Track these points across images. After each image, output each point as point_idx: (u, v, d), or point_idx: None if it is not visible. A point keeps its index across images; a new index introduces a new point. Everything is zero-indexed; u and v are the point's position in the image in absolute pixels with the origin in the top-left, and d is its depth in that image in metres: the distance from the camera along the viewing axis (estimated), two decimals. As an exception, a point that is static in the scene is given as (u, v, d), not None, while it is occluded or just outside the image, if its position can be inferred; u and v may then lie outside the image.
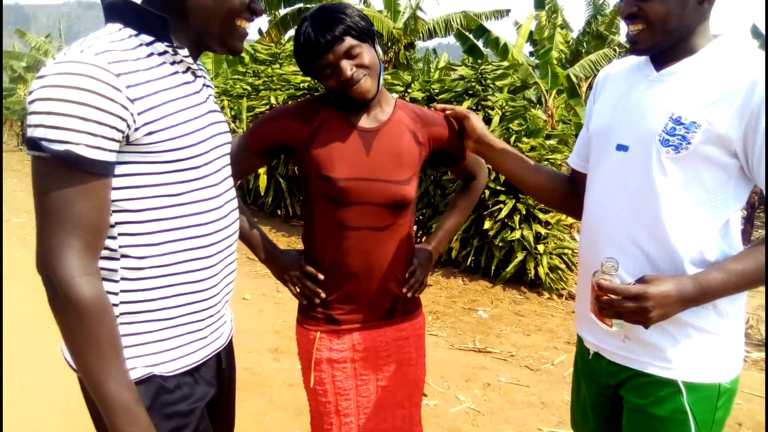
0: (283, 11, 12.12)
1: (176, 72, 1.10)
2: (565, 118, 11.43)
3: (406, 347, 1.68)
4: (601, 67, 10.49)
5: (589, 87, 12.60)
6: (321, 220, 1.57)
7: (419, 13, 11.61)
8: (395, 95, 1.72)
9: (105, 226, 1.01)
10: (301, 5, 11.66)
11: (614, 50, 10.58)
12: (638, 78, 1.40)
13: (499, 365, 3.86)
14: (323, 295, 1.59)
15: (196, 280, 1.14)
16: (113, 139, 0.97)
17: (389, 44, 11.79)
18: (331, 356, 1.60)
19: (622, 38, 11.75)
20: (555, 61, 9.15)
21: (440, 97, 5.87)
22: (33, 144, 0.95)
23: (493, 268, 5.47)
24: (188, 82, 1.13)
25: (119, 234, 1.04)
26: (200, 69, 1.20)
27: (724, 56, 1.29)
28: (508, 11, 12.32)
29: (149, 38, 1.06)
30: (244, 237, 1.63)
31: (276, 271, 1.68)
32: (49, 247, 0.97)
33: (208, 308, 1.19)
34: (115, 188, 1.02)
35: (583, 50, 11.05)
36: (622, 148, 1.36)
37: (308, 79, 7.16)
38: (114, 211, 1.03)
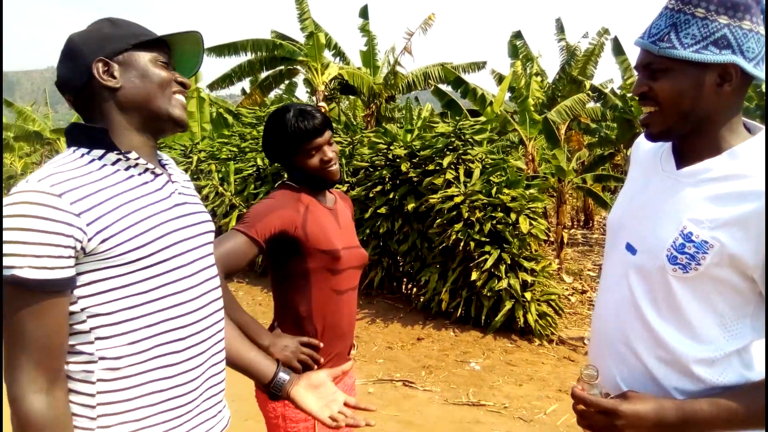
0: (264, 74, 12.47)
1: (131, 176, 1.17)
2: (547, 156, 11.59)
3: (350, 376, 1.95)
4: (576, 112, 10.82)
5: (568, 128, 12.91)
6: (318, 291, 1.76)
7: (398, 68, 11.91)
8: None
9: (58, 343, 1.07)
10: (282, 68, 11.99)
11: (588, 95, 10.91)
12: (658, 170, 1.26)
13: (493, 418, 3.91)
14: (322, 360, 1.74)
15: (173, 375, 1.17)
16: (62, 257, 1.04)
17: (371, 99, 12.09)
18: None
19: (595, 81, 12.11)
20: (532, 108, 9.44)
21: (421, 153, 6.05)
22: None
23: (483, 317, 5.56)
24: (146, 182, 1.19)
25: (96, 339, 1.10)
26: (164, 166, 1.28)
27: (750, 163, 1.11)
28: (484, 63, 12.72)
29: (100, 151, 1.15)
30: (242, 329, 1.71)
31: (279, 352, 1.75)
32: (6, 365, 1.05)
33: (188, 403, 1.20)
34: (85, 296, 1.09)
35: (559, 95, 11.38)
36: (630, 249, 1.24)
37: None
38: (89, 317, 1.09)
